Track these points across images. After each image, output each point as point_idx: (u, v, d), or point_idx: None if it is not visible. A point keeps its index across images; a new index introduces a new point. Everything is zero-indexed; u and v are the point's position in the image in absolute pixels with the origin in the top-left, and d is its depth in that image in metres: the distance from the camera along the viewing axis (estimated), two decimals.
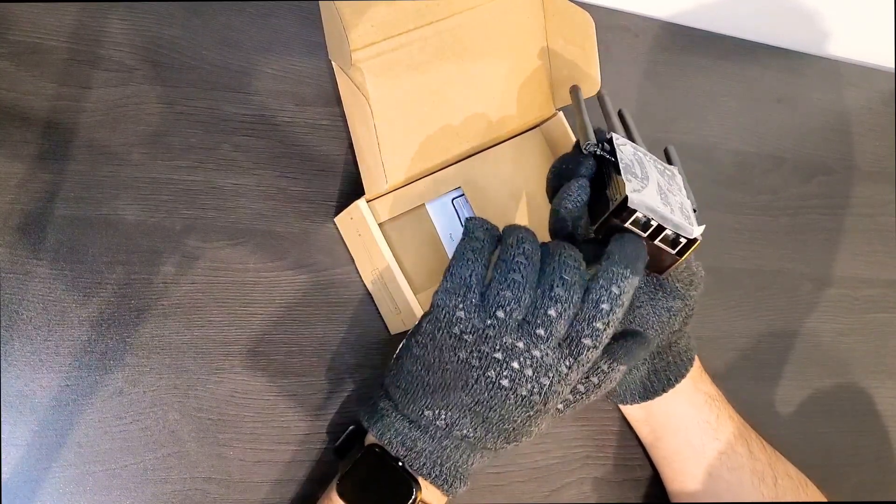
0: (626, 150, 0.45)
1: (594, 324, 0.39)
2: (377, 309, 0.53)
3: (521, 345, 0.40)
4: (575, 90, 0.50)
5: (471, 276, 0.41)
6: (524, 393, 0.40)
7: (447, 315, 0.41)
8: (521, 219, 0.55)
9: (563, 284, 0.39)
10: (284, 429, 0.49)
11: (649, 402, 0.53)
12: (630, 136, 0.49)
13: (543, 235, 0.53)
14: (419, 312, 0.48)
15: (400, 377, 0.43)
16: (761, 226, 0.69)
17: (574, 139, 0.53)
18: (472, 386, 0.41)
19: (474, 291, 0.41)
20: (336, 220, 0.53)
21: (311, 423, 0.50)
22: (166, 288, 0.48)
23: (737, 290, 0.66)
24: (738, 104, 0.72)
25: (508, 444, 0.43)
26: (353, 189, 0.54)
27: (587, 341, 0.40)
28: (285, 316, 0.50)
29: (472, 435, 0.42)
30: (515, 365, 0.40)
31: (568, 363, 0.40)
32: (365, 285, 0.53)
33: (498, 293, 0.40)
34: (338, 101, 0.54)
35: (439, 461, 0.43)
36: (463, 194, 0.54)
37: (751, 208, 0.69)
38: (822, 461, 0.57)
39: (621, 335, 0.44)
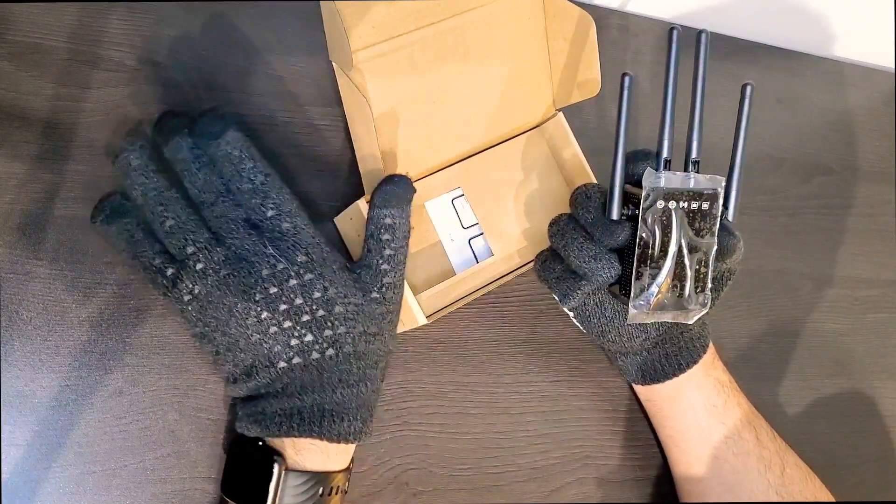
0: (648, 220, 0.46)
1: (264, 211, 0.42)
2: None
3: (241, 273, 0.41)
4: (627, 79, 0.47)
5: (137, 248, 0.44)
6: (284, 305, 0.41)
7: (166, 295, 0.43)
8: (522, 219, 0.55)
9: (214, 192, 0.43)
10: None
11: (659, 384, 0.54)
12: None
13: (544, 236, 0.53)
14: (418, 312, 0.48)
15: (215, 367, 0.44)
16: (761, 226, 0.69)
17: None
18: (246, 337, 0.41)
19: (153, 258, 0.43)
20: (336, 220, 0.53)
21: None
22: None
23: (737, 290, 0.66)
24: (737, 104, 0.72)
25: (337, 349, 0.42)
26: (353, 189, 0.53)
27: (281, 223, 0.42)
28: None
29: (294, 364, 0.42)
30: (257, 289, 0.41)
31: (289, 253, 0.41)
32: None
33: (164, 257, 0.42)
34: (338, 101, 0.54)
35: (296, 409, 0.42)
36: (463, 194, 0.54)
37: (750, 208, 0.69)
38: (823, 461, 0.57)
39: (380, 183, 0.46)
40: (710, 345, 0.54)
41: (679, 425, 0.55)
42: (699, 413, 0.53)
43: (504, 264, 0.54)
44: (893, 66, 0.83)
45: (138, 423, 0.46)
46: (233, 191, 0.43)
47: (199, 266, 0.41)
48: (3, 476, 0.42)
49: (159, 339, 0.47)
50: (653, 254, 0.46)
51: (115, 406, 0.45)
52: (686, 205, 0.46)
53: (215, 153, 0.43)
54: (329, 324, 0.42)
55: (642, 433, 0.59)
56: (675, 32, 0.46)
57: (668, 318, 0.48)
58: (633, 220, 0.47)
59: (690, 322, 0.48)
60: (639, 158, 0.48)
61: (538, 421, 0.56)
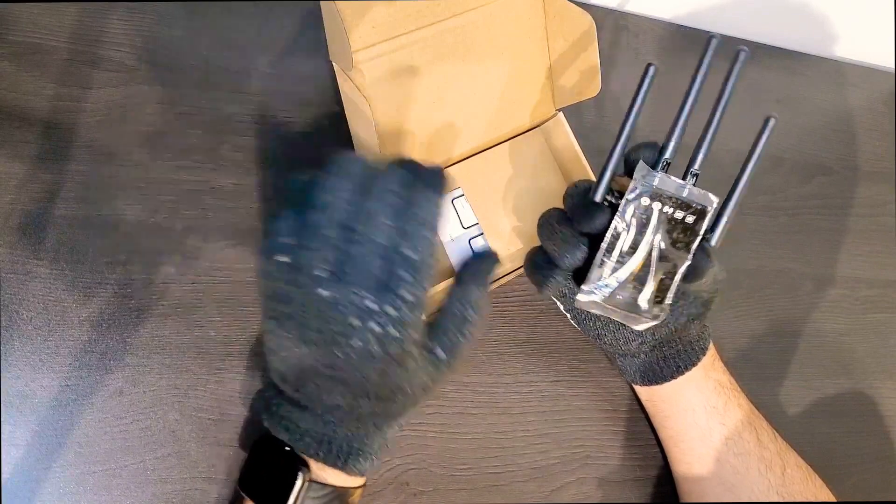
0: (628, 213, 0.44)
1: (404, 252, 0.38)
2: None
3: (338, 298, 0.38)
4: (649, 73, 0.45)
5: (280, 239, 0.38)
6: (359, 344, 0.38)
7: (266, 282, 0.39)
8: (522, 219, 0.55)
9: (365, 221, 0.38)
10: None
11: (658, 385, 0.54)
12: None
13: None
14: None
15: (268, 358, 0.42)
16: (761, 226, 0.69)
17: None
18: (315, 351, 0.39)
19: (285, 255, 0.38)
20: None
21: None
22: (166, 288, 0.48)
23: (737, 290, 0.66)
24: (738, 104, 0.72)
25: (386, 405, 0.41)
26: None
27: (403, 273, 0.38)
28: None
29: (342, 402, 0.41)
30: (339, 317, 0.38)
31: (394, 303, 0.37)
32: None
33: (298, 253, 0.38)
34: (338, 101, 0.54)
35: (326, 439, 0.42)
36: (463, 194, 0.54)
37: (751, 208, 0.69)
38: (823, 461, 0.57)
39: (470, 259, 0.43)
40: (711, 347, 0.54)
41: (679, 426, 0.55)
42: (699, 414, 0.53)
43: (504, 264, 0.54)
44: (893, 66, 0.83)
45: (138, 423, 0.46)
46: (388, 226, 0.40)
47: (319, 273, 0.38)
48: (3, 476, 0.42)
49: (159, 339, 0.47)
50: (622, 248, 0.44)
51: (116, 406, 0.45)
52: (671, 211, 0.44)
53: (414, 196, 0.40)
54: (392, 375, 0.41)
55: (642, 433, 0.59)
56: (713, 41, 0.45)
57: (617, 316, 0.46)
58: (615, 210, 0.45)
59: (637, 328, 0.47)
60: (641, 148, 0.47)
61: (538, 421, 0.56)
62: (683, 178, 0.45)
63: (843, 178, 0.76)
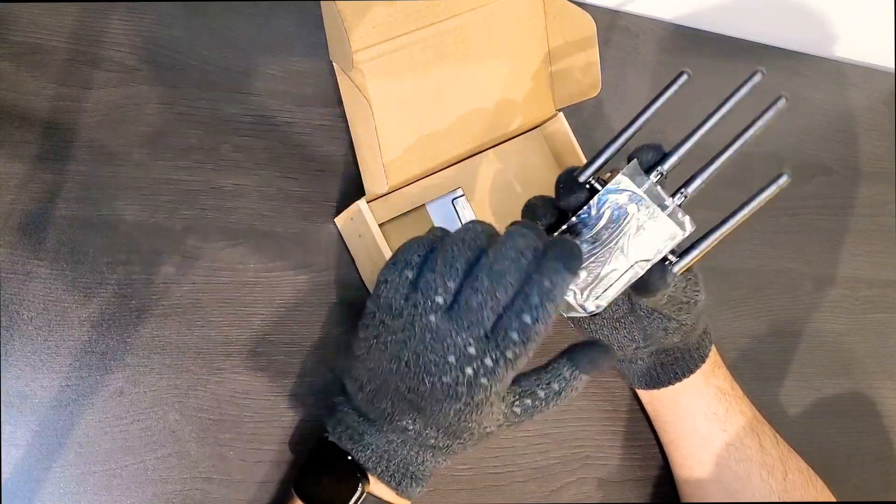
0: (604, 203, 0.43)
1: (522, 317, 0.38)
2: None
3: (444, 331, 0.38)
4: (680, 80, 0.44)
5: (414, 256, 0.40)
6: (449, 381, 0.38)
7: (384, 291, 0.40)
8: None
9: (490, 274, 0.38)
10: (285, 429, 0.49)
11: (657, 390, 0.54)
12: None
13: None
14: None
15: (350, 364, 0.43)
16: (761, 226, 0.69)
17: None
18: (403, 371, 0.39)
19: (411, 271, 0.40)
20: (336, 220, 0.53)
21: (311, 423, 0.50)
22: (166, 288, 0.48)
23: (737, 290, 0.66)
24: (738, 104, 0.72)
25: (451, 441, 0.42)
26: (353, 189, 0.53)
27: (514, 335, 0.38)
28: (285, 316, 0.50)
29: (412, 427, 0.41)
30: (438, 349, 0.38)
31: (494, 356, 0.38)
32: (365, 285, 0.53)
33: (423, 274, 0.39)
34: (338, 101, 0.54)
35: (386, 456, 0.42)
36: (463, 194, 0.54)
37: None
38: (823, 461, 0.57)
39: (588, 344, 0.43)
40: (713, 354, 0.54)
41: (679, 430, 0.55)
42: (699, 420, 0.53)
43: None
44: (893, 66, 0.83)
45: (139, 423, 0.46)
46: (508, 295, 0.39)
47: (437, 299, 0.39)
48: (3, 476, 0.42)
49: (160, 339, 0.47)
50: (585, 234, 0.43)
51: (116, 406, 0.45)
52: (645, 220, 0.43)
53: (545, 265, 0.39)
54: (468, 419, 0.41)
55: (642, 433, 0.59)
56: (758, 75, 0.44)
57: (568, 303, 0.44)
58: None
59: (567, 314, 0.46)
60: (643, 149, 0.45)
61: (538, 421, 0.56)
62: (673, 195, 0.43)
63: (843, 178, 0.76)
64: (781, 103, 0.44)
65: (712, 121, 0.44)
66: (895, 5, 0.75)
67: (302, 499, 0.44)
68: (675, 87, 0.44)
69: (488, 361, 0.38)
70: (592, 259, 0.44)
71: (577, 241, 0.43)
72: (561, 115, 0.56)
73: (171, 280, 0.48)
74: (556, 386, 0.42)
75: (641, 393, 0.57)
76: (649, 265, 0.43)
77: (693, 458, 0.54)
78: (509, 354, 0.38)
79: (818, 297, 0.70)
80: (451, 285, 0.39)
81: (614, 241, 0.43)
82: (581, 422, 0.57)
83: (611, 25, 0.68)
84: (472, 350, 0.38)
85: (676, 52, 0.70)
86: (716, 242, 0.44)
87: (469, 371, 0.38)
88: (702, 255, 0.44)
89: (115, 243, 0.47)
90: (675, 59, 0.69)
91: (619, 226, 0.43)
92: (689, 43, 0.71)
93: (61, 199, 0.46)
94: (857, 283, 0.72)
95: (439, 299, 0.38)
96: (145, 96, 0.50)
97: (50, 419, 0.44)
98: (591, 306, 0.44)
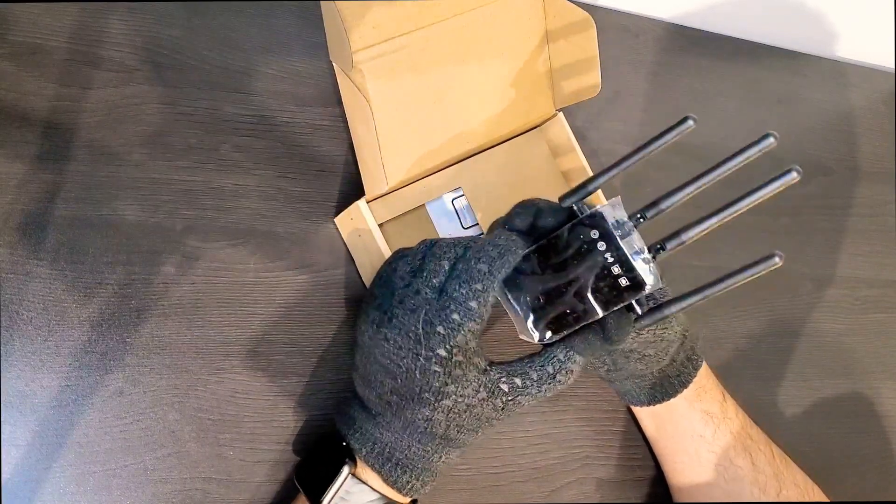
0: (574, 232, 0.41)
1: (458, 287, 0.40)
2: None
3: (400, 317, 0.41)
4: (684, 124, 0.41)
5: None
6: (409, 345, 0.41)
7: (387, 273, 0.44)
8: None
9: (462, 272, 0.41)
10: (284, 429, 0.49)
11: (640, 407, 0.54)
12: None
13: None
14: None
15: (356, 356, 0.45)
16: (761, 226, 0.69)
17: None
18: (379, 359, 0.42)
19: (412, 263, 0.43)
20: (336, 220, 0.53)
21: (311, 423, 0.50)
22: (166, 288, 0.48)
23: (737, 290, 0.66)
24: (738, 105, 0.72)
25: (431, 414, 0.42)
26: (353, 189, 0.54)
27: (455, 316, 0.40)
28: (285, 316, 0.50)
29: (391, 399, 0.43)
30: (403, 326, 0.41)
31: (441, 317, 0.40)
32: (365, 285, 0.53)
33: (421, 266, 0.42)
34: (338, 101, 0.54)
35: (372, 439, 0.44)
36: (463, 194, 0.54)
37: (751, 208, 0.69)
38: (823, 461, 0.57)
39: (584, 327, 0.42)
40: (699, 378, 0.52)
41: (670, 446, 0.55)
42: (686, 441, 0.53)
43: None
44: (893, 66, 0.83)
45: (139, 423, 0.46)
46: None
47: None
48: (3, 476, 0.42)
49: (160, 340, 0.47)
50: (553, 259, 0.41)
51: (116, 406, 0.45)
52: (610, 261, 0.40)
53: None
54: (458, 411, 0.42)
55: (642, 433, 0.59)
56: (768, 141, 0.44)
57: (511, 313, 0.43)
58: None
59: (520, 336, 0.44)
60: (645, 210, 0.42)
61: (538, 421, 0.56)
62: (650, 249, 0.40)
63: (843, 178, 0.76)
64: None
65: (709, 177, 0.42)
66: (895, 5, 0.75)
67: (298, 482, 0.45)
68: (676, 132, 0.41)
69: (439, 328, 0.40)
70: (552, 288, 0.42)
71: (543, 264, 0.42)
72: (561, 115, 0.56)
73: (171, 280, 0.48)
74: (549, 368, 0.42)
75: (632, 407, 0.57)
76: (606, 313, 0.41)
77: (683, 476, 0.55)
78: (455, 316, 0.40)
79: (818, 297, 0.70)
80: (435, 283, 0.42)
81: (577, 277, 0.41)
82: (581, 422, 0.57)
83: (610, 25, 0.68)
84: (422, 314, 0.41)
85: (676, 52, 0.70)
86: (694, 305, 0.40)
87: (421, 330, 0.41)
88: (670, 314, 0.41)
89: (115, 243, 0.47)
90: (675, 59, 0.69)
91: (585, 261, 0.41)
92: (689, 43, 0.71)
93: (61, 199, 0.46)
94: (857, 283, 0.72)
95: (416, 285, 0.42)
96: (145, 96, 0.50)
97: (50, 419, 0.44)
98: (539, 336, 0.42)
